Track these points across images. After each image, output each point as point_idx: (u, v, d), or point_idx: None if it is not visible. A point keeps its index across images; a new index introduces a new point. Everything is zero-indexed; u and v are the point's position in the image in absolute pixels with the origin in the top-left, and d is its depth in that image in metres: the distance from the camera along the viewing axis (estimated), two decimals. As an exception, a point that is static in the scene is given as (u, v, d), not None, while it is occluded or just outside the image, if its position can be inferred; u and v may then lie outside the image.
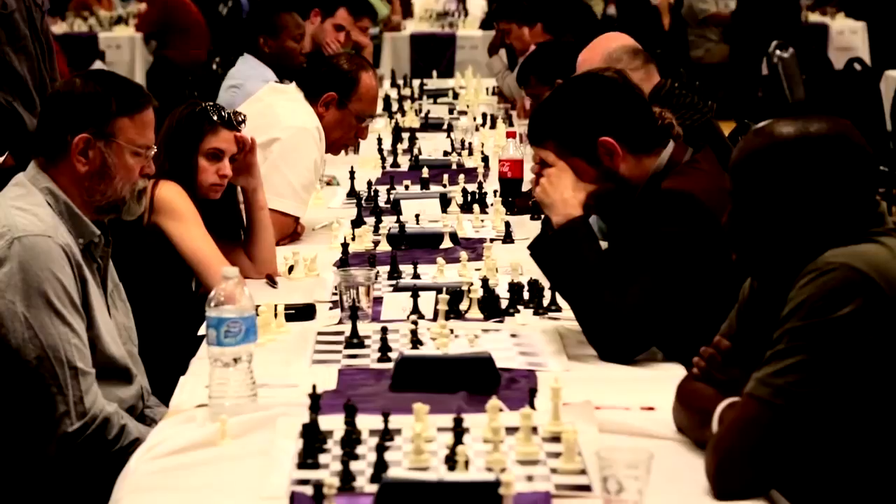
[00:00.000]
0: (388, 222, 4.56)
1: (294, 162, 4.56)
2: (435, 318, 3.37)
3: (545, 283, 3.52)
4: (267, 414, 2.75)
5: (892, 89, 8.83)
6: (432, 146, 6.30)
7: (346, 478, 2.41)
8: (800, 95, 9.12)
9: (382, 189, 5.14)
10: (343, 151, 4.95)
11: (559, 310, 3.53)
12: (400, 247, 4.30)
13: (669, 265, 3.16)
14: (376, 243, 4.39)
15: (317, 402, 2.61)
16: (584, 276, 3.19)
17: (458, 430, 2.53)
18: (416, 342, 3.23)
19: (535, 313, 3.55)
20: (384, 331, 3.24)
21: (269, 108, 4.67)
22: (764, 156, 2.50)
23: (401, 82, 8.92)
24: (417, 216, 4.64)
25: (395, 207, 4.79)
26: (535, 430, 2.61)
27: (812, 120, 2.50)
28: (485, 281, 3.61)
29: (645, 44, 4.98)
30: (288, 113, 4.63)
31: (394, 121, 7.05)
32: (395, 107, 7.71)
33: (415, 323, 3.30)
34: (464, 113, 7.55)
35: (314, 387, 2.65)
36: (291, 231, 4.57)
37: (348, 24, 7.94)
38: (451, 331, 3.30)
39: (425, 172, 5.30)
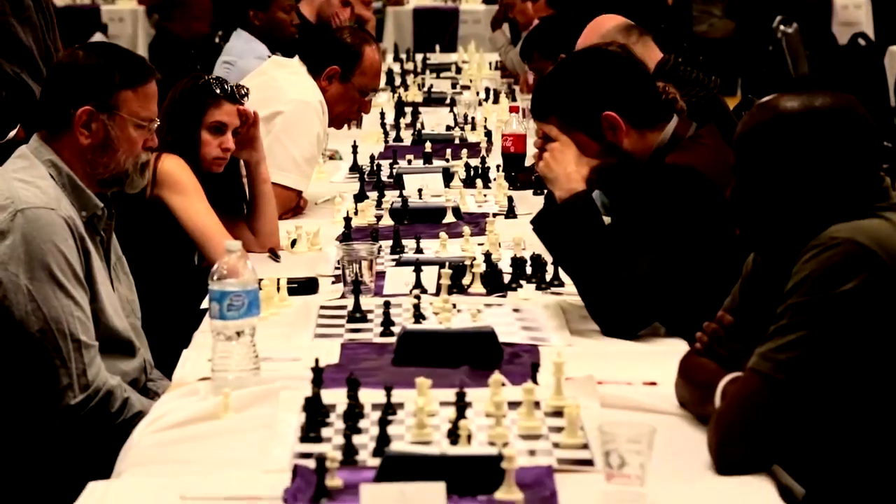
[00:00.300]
0: (391, 197, 4.55)
1: (297, 136, 4.55)
2: (437, 293, 3.37)
3: (548, 257, 3.52)
4: (270, 387, 2.75)
5: (897, 65, 8.82)
6: (435, 121, 6.29)
7: (349, 451, 2.41)
8: (803, 71, 9.10)
9: (385, 163, 5.13)
10: (346, 126, 4.95)
11: (562, 284, 3.53)
12: (402, 221, 4.30)
13: (672, 240, 3.15)
14: (379, 217, 4.39)
15: (319, 376, 2.62)
16: (586, 250, 3.19)
17: (461, 405, 2.53)
18: (418, 316, 3.23)
19: (538, 288, 3.55)
20: (387, 305, 3.24)
21: (272, 81, 4.67)
22: (768, 130, 2.49)
23: (404, 56, 8.90)
24: (420, 191, 4.64)
25: (397, 182, 4.79)
26: (537, 404, 2.62)
27: (817, 94, 2.50)
28: (487, 255, 3.61)
29: (648, 18, 4.98)
30: (291, 86, 4.63)
31: (396, 95, 7.04)
32: (397, 81, 7.70)
33: (417, 297, 3.30)
34: (467, 87, 7.54)
35: (317, 361, 2.65)
36: (294, 205, 4.57)
37: (353, -2, 7.92)
38: (454, 305, 3.30)
39: (428, 147, 5.30)
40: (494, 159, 5.17)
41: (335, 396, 2.65)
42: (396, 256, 3.87)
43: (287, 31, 6.71)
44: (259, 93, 4.35)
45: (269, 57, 5.87)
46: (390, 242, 3.97)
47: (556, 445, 2.48)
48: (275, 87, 4.62)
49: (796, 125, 2.47)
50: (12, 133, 4.39)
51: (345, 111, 4.74)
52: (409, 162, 5.20)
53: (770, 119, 2.50)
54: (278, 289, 3.44)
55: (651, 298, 3.15)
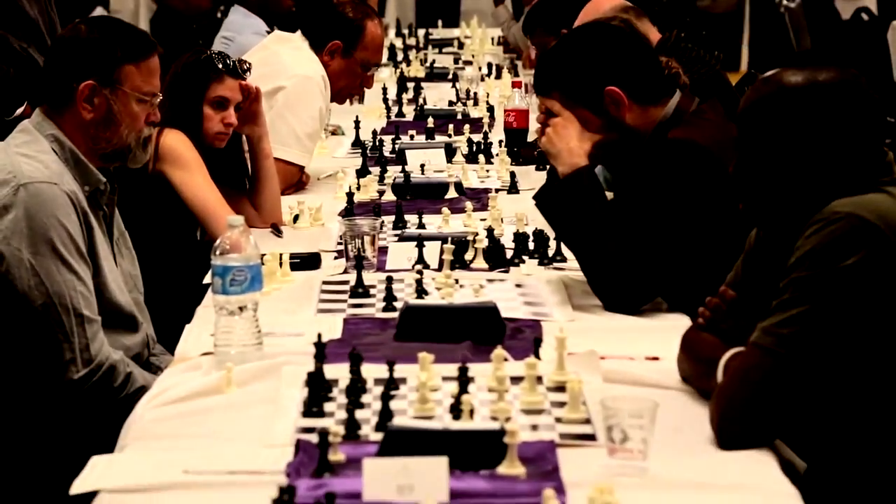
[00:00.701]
0: (394, 172, 4.55)
1: (299, 111, 4.55)
2: (440, 268, 3.37)
3: (550, 233, 3.51)
4: (272, 362, 2.75)
5: (900, 40, 8.78)
6: (437, 96, 6.29)
7: (352, 426, 2.41)
8: (806, 45, 9.07)
9: (387, 139, 5.13)
10: (348, 101, 4.94)
11: (564, 260, 3.53)
12: (405, 196, 4.30)
13: (675, 215, 3.15)
14: (381, 193, 4.39)
15: (322, 351, 2.62)
16: (589, 225, 3.19)
17: (463, 380, 2.53)
18: (420, 292, 3.23)
19: (541, 263, 3.55)
20: (389, 280, 3.24)
21: (274, 56, 4.66)
22: (772, 104, 2.49)
23: (406, 31, 8.89)
24: (422, 166, 4.63)
25: (400, 157, 4.78)
26: (539, 379, 2.62)
27: (820, 69, 2.49)
28: (490, 231, 3.61)
29: (651, -7, 4.96)
30: (293, 61, 4.62)
31: (399, 70, 7.03)
32: (400, 56, 7.68)
33: (420, 272, 3.30)
34: (469, 63, 7.53)
35: (319, 335, 2.66)
36: (296, 180, 4.57)
37: (355, -28, 7.90)
38: (456, 281, 3.30)
39: (430, 122, 5.29)
40: (497, 135, 5.17)
41: (338, 371, 2.65)
42: (399, 232, 3.87)
43: (283, 4, 6.69)
44: (261, 68, 4.34)
45: (268, 32, 5.87)
46: (392, 218, 3.97)
47: (559, 420, 2.49)
48: (277, 63, 4.62)
49: (800, 99, 2.46)
50: (20, 110, 4.39)
51: (347, 86, 4.74)
52: (412, 137, 5.19)
53: (773, 93, 2.49)
54: (280, 264, 3.44)
55: (653, 273, 3.15)
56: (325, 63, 4.65)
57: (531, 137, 4.91)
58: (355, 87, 4.80)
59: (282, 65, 4.61)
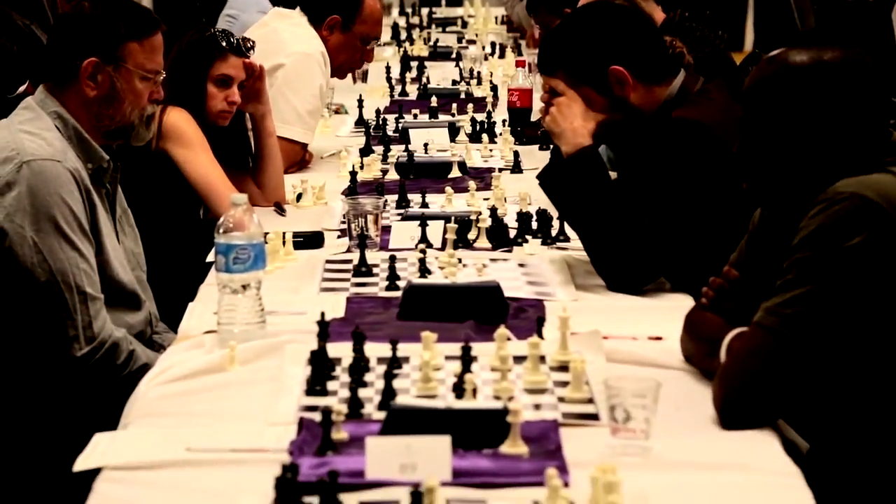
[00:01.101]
0: (397, 151, 4.55)
1: (299, 88, 4.54)
2: (443, 248, 3.37)
3: (554, 212, 3.51)
4: (275, 340, 2.76)
5: (905, 20, 8.75)
6: (441, 75, 6.28)
7: (355, 404, 2.42)
8: (810, 25, 9.05)
9: (391, 118, 5.12)
10: (351, 80, 4.93)
11: (567, 240, 3.53)
12: (408, 176, 4.29)
13: (679, 195, 3.15)
14: (385, 172, 4.38)
15: (325, 330, 2.62)
16: (593, 205, 3.19)
17: (466, 359, 2.53)
18: (424, 271, 3.23)
19: (544, 243, 3.55)
20: (392, 259, 3.24)
21: (274, 33, 4.65)
22: (777, 83, 2.48)
23: (409, 10, 8.86)
24: (426, 145, 4.63)
25: (403, 136, 4.78)
26: (542, 359, 2.62)
27: (825, 48, 2.49)
28: (493, 210, 3.61)
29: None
30: (292, 38, 4.61)
31: (402, 49, 7.01)
32: (403, 35, 7.67)
33: (423, 252, 3.29)
34: (473, 42, 7.51)
35: (322, 314, 2.66)
36: (299, 158, 4.57)
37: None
38: (459, 260, 3.29)
39: (434, 101, 5.28)
40: (500, 114, 5.16)
41: (341, 350, 2.65)
42: (402, 211, 3.87)
43: None
44: (261, 45, 4.32)
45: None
46: (396, 197, 3.96)
47: (562, 400, 2.49)
48: (276, 40, 4.61)
49: (804, 79, 2.46)
50: (22, 88, 4.39)
51: (347, 60, 4.73)
52: (415, 116, 5.18)
53: (778, 72, 2.48)
54: (284, 242, 3.43)
55: (657, 254, 3.15)
56: (324, 38, 4.64)
57: (535, 117, 4.91)
58: (355, 62, 4.79)
59: (281, 42, 4.60)
